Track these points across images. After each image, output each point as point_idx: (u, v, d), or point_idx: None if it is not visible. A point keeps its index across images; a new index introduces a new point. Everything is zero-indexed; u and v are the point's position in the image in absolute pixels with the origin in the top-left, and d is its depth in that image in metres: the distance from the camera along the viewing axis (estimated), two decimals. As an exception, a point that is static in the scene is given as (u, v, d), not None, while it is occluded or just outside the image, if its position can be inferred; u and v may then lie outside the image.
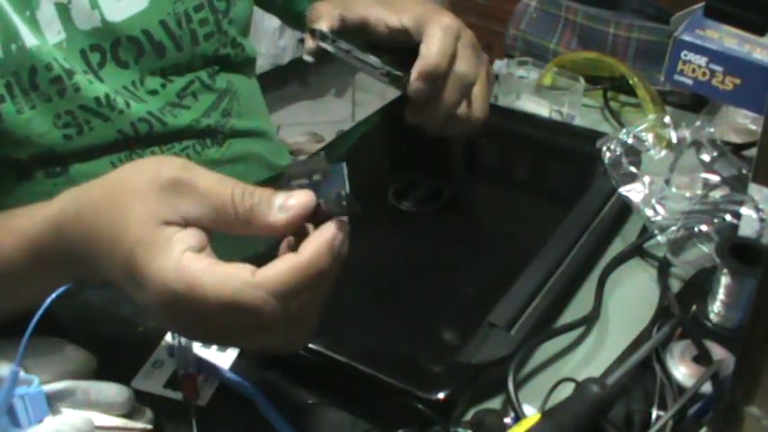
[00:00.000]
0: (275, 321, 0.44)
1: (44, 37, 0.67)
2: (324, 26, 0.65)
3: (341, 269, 0.46)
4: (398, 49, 0.67)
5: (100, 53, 0.70)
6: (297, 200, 0.46)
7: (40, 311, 0.46)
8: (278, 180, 0.48)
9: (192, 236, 0.45)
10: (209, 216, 0.45)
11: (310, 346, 0.56)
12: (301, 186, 0.47)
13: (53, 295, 0.46)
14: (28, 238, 0.50)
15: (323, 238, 0.45)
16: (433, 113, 0.66)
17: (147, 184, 0.46)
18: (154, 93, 0.74)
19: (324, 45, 0.65)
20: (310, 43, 0.66)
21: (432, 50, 0.64)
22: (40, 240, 0.50)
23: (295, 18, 0.91)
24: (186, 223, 0.45)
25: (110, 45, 0.70)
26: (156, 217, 0.45)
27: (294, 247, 0.46)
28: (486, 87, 0.69)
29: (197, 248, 0.45)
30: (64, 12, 0.67)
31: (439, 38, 0.64)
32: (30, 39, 0.65)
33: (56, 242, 0.49)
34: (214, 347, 0.58)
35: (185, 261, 0.43)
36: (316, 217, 0.46)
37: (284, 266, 0.44)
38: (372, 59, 0.64)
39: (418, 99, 0.65)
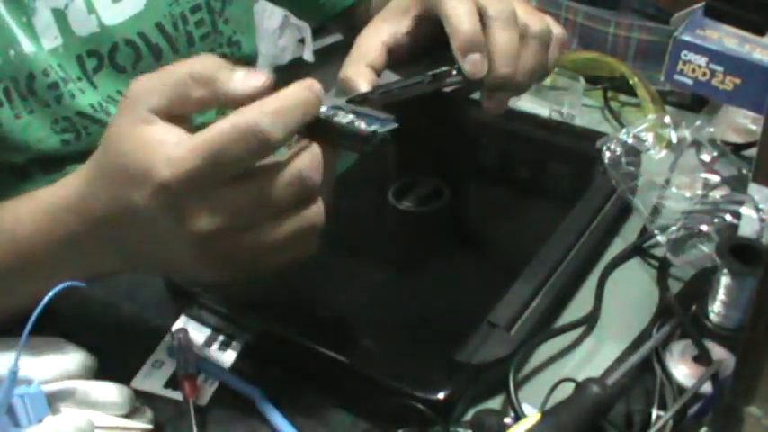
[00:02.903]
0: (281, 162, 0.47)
1: (40, 43, 0.66)
2: (363, 87, 0.58)
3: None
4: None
5: (97, 59, 0.70)
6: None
7: (39, 308, 0.45)
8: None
9: (173, 128, 0.47)
10: (170, 96, 0.47)
11: (310, 346, 0.56)
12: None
13: (51, 293, 0.46)
14: (44, 211, 0.53)
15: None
16: (511, 80, 0.59)
17: (119, 110, 0.49)
18: None
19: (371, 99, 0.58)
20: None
21: (455, 25, 0.57)
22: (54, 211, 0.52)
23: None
24: (160, 116, 0.47)
25: (107, 50, 0.70)
26: (131, 123, 0.47)
27: None
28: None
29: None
30: (61, 17, 0.67)
31: (453, 6, 0.57)
32: (27, 45, 0.65)
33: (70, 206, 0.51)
34: (214, 347, 0.58)
35: (181, 136, 0.46)
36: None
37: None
38: (414, 78, 0.58)
39: (477, 75, 0.57)
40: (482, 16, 0.58)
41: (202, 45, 0.75)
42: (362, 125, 0.48)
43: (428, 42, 0.61)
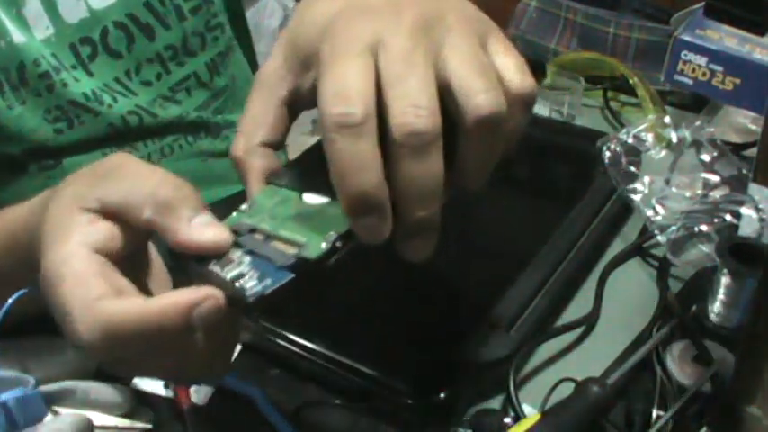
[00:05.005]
0: None
1: (31, 33, 0.67)
2: (254, 180, 0.46)
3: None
4: None
5: (90, 45, 0.70)
6: (215, 231, 0.41)
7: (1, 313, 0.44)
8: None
9: (101, 230, 0.40)
10: (123, 199, 0.41)
11: (311, 346, 0.56)
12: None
13: (11, 300, 0.43)
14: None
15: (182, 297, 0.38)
16: (432, 220, 0.45)
17: (87, 168, 0.43)
18: (147, 84, 0.74)
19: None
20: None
21: (338, 174, 0.38)
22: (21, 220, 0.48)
23: None
24: (103, 211, 0.41)
25: (99, 35, 0.70)
26: (74, 199, 0.41)
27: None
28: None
29: (99, 243, 0.40)
30: (50, 6, 0.67)
31: (332, 139, 0.37)
32: (17, 35, 0.66)
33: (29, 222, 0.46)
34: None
35: (76, 255, 0.39)
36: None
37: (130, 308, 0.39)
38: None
39: (375, 241, 0.41)
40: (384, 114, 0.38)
41: (195, 19, 0.75)
42: (249, 281, 0.39)
43: None
